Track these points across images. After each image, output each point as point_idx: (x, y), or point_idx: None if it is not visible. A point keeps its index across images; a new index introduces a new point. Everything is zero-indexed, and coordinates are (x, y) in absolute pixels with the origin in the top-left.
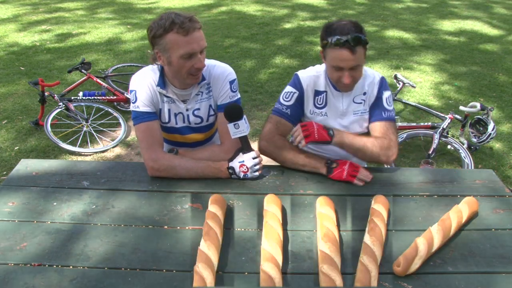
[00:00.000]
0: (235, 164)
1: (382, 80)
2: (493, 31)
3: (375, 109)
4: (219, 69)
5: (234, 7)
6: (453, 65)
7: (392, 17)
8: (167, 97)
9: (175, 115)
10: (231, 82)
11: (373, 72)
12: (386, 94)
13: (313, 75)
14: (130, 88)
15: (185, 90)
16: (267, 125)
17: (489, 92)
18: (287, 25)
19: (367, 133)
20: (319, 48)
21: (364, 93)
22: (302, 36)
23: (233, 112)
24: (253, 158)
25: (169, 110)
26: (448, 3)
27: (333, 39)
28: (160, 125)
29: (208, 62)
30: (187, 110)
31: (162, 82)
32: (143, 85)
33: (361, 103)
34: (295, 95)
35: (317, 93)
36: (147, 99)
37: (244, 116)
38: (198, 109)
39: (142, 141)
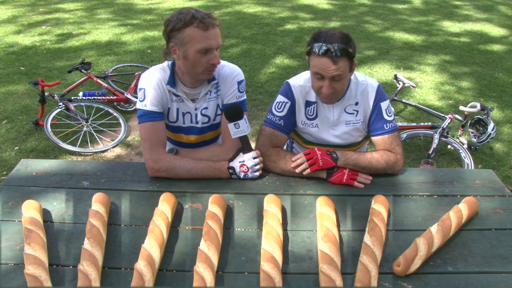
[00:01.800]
0: (235, 164)
1: (379, 89)
2: (493, 31)
3: (376, 123)
4: (228, 69)
5: (234, 8)
6: (453, 65)
7: (393, 17)
8: (177, 96)
9: (183, 114)
10: (239, 83)
11: (367, 79)
12: (385, 104)
13: (304, 84)
14: (140, 86)
15: (195, 89)
16: (261, 138)
17: (489, 92)
18: (288, 26)
19: (366, 137)
20: None
21: (357, 103)
22: (303, 36)
23: (233, 112)
24: (254, 158)
25: (177, 109)
26: (449, 3)
27: (317, 46)
28: (167, 124)
29: None
30: (195, 109)
31: (172, 80)
32: (153, 84)
33: (353, 113)
34: (287, 105)
35: (308, 103)
36: (155, 99)
37: (245, 116)
38: (206, 108)
39: (146, 140)
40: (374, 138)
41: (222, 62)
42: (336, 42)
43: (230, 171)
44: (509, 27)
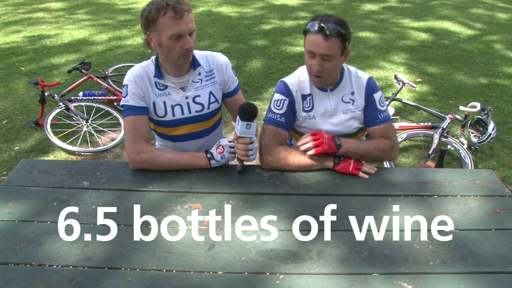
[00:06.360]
0: (213, 149)
1: (370, 80)
2: (493, 31)
3: (370, 114)
4: (219, 57)
5: (235, 8)
6: (453, 65)
7: (391, 17)
8: (162, 89)
9: (172, 107)
10: (232, 68)
11: (358, 72)
12: (377, 95)
13: (298, 79)
14: (124, 82)
15: (181, 78)
16: (265, 137)
17: (489, 92)
18: (287, 24)
19: (362, 129)
20: None
21: (352, 93)
22: (303, 36)
23: (250, 111)
24: (229, 141)
25: (164, 102)
26: (448, 3)
27: (312, 24)
28: (156, 120)
29: (203, 52)
30: (186, 98)
31: (159, 72)
32: (135, 80)
33: (349, 102)
34: (286, 102)
35: (303, 97)
36: (137, 94)
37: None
38: (199, 95)
39: (128, 133)
40: (370, 129)
41: (206, 52)
42: (331, 22)
43: (208, 155)
44: (509, 28)
